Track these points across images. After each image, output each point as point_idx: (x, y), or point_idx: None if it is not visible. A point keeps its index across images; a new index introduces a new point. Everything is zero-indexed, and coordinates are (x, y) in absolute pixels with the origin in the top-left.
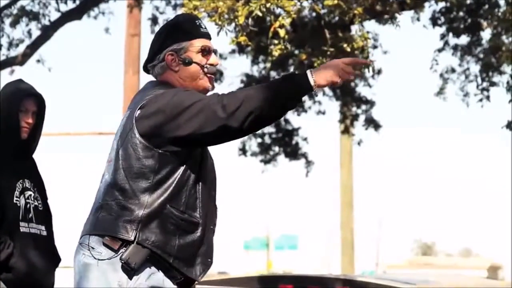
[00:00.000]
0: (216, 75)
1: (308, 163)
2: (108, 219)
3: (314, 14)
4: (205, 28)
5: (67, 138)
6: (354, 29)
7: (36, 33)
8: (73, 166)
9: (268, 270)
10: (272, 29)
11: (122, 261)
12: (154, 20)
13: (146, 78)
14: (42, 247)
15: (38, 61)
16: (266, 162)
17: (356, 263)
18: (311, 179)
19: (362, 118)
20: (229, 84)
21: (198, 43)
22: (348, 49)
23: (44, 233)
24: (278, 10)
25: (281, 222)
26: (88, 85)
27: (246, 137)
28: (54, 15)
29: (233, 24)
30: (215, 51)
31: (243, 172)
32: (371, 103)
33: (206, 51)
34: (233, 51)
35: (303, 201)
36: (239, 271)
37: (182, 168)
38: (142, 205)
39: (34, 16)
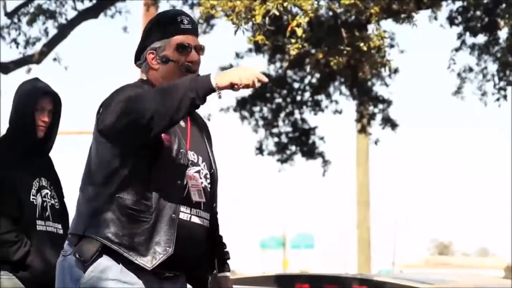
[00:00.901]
0: (196, 73)
1: (325, 162)
2: (73, 219)
3: (330, 13)
4: (189, 23)
5: (83, 136)
6: (371, 28)
7: (52, 31)
8: None
9: (284, 269)
10: (289, 28)
11: (75, 255)
12: None
13: None
14: (58, 246)
15: (55, 59)
16: (283, 161)
17: (373, 262)
18: (328, 178)
19: (379, 117)
20: None
21: (176, 40)
22: (365, 48)
23: (61, 231)
24: (295, 9)
25: (298, 221)
26: (104, 84)
27: (263, 136)
28: (71, 14)
29: (250, 23)
30: (197, 48)
31: (260, 172)
32: (388, 102)
33: (184, 48)
34: (250, 50)
35: (320, 200)
36: (255, 270)
37: (133, 159)
38: (93, 199)
39: (50, 15)
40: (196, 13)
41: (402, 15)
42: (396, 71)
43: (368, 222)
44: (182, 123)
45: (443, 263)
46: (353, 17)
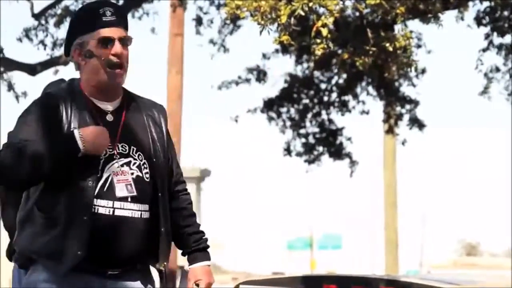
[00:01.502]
0: (122, 67)
1: (352, 163)
2: None
3: (357, 13)
4: (112, 15)
5: None
6: (397, 28)
7: None
8: None
9: (311, 270)
10: (314, 28)
11: (15, 262)
12: (198, 20)
13: (189, 78)
14: None
15: None
16: (310, 162)
17: (400, 263)
18: (355, 179)
19: (406, 117)
20: (272, 84)
21: (98, 34)
22: (390, 49)
23: None
24: (320, 9)
25: (325, 222)
26: (131, 85)
27: (290, 137)
28: None
29: (276, 24)
30: (121, 39)
31: (288, 172)
32: (415, 103)
33: (106, 42)
34: (276, 51)
35: (347, 201)
36: (282, 271)
37: None
38: (21, 209)
39: None
40: (222, 14)
41: (429, 15)
42: (423, 71)
43: (396, 223)
44: (109, 117)
45: (471, 264)
46: (379, 17)
